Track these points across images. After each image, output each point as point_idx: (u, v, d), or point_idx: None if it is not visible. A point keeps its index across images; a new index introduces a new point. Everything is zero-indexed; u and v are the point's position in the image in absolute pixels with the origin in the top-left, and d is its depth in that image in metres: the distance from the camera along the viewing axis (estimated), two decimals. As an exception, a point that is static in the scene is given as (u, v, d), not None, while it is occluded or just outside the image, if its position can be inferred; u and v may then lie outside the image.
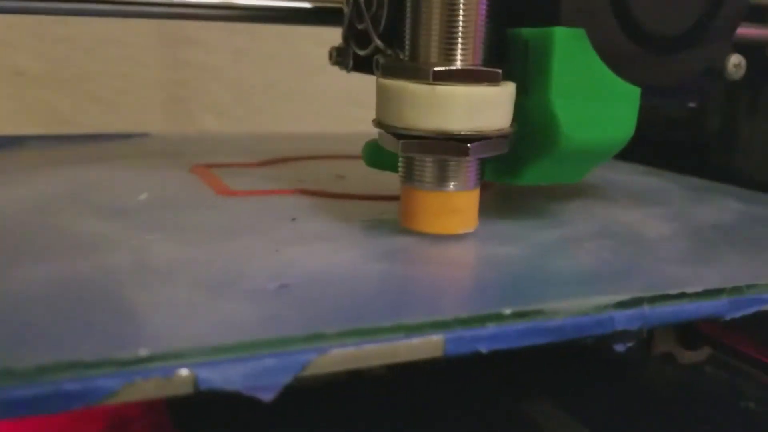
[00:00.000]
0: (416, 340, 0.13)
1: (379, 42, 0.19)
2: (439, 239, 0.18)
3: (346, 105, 0.43)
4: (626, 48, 0.18)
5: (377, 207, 0.21)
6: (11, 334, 0.12)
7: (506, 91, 0.17)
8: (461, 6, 0.16)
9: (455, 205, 0.17)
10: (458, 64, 0.16)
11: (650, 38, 0.19)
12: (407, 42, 0.17)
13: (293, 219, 0.19)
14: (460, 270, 0.17)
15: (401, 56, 0.18)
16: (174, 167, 0.26)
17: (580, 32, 0.17)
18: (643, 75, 0.19)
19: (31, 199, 0.21)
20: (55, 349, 0.11)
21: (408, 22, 0.17)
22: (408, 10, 0.17)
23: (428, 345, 0.13)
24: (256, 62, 0.41)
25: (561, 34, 0.17)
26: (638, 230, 0.20)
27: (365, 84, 0.43)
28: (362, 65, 0.21)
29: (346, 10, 0.22)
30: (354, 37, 0.21)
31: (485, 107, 0.16)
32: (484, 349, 0.13)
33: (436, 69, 0.16)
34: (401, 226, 0.18)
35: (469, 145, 0.17)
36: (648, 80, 0.19)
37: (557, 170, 0.19)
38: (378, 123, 0.18)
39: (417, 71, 0.16)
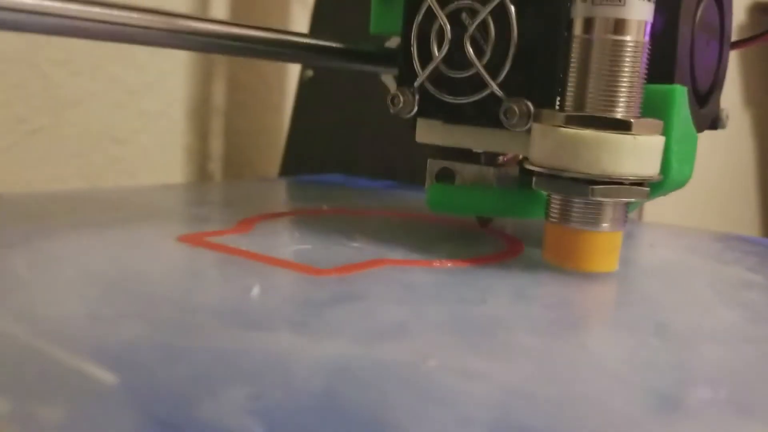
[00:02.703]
0: None
1: (498, 90, 0.20)
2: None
3: (104, 142, 0.39)
4: (691, 101, 0.21)
5: (506, 270, 0.20)
6: None
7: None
8: (633, 60, 0.18)
9: (617, 243, 0.19)
10: (627, 114, 0.18)
11: (697, 92, 0.22)
12: (571, 93, 0.18)
13: (483, 301, 0.17)
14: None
15: (528, 105, 0.19)
16: (154, 240, 0.21)
17: (684, 89, 0.20)
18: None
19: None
20: None
21: (574, 74, 0.18)
22: (575, 63, 0.18)
23: None
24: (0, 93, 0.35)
25: (680, 90, 0.20)
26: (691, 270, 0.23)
27: (125, 118, 0.39)
28: (434, 111, 0.21)
29: (415, 53, 0.21)
30: (440, 83, 0.21)
31: (660, 154, 0.18)
32: None
33: (634, 121, 0.17)
34: (562, 267, 0.19)
35: (647, 188, 0.18)
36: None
37: (635, 206, 0.22)
38: (552, 169, 0.18)
39: (610, 122, 0.18)
